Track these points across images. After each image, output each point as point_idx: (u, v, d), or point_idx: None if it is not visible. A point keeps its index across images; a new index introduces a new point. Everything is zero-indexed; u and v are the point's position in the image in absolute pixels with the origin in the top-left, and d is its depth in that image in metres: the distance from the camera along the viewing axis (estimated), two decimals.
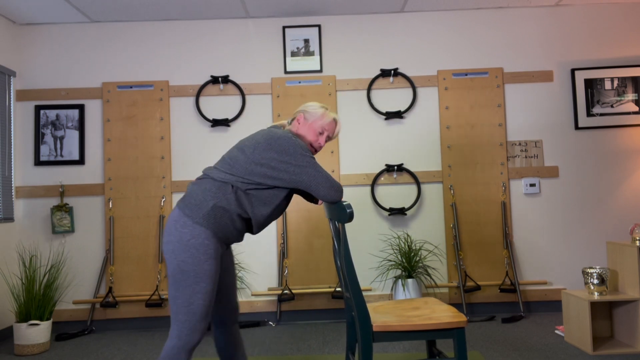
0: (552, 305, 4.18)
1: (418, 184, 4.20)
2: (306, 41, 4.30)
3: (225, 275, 2.16)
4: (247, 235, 4.23)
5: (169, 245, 1.91)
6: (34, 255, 4.13)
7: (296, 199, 4.22)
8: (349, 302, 2.25)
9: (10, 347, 3.72)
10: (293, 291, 4.12)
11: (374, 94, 4.31)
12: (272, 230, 4.23)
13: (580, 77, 4.27)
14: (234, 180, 1.96)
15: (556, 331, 3.59)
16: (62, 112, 4.23)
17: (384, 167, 4.25)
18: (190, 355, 1.92)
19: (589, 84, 4.26)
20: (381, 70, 4.27)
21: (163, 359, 1.89)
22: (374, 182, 4.21)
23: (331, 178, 2.01)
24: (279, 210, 2.06)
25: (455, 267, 4.17)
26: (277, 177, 1.96)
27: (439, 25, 4.34)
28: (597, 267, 3.39)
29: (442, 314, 2.17)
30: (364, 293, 4.20)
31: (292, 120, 2.25)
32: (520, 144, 4.26)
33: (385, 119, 4.26)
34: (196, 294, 1.88)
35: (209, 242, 1.90)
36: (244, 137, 4.23)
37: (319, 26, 4.31)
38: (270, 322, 4.09)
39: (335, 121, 2.20)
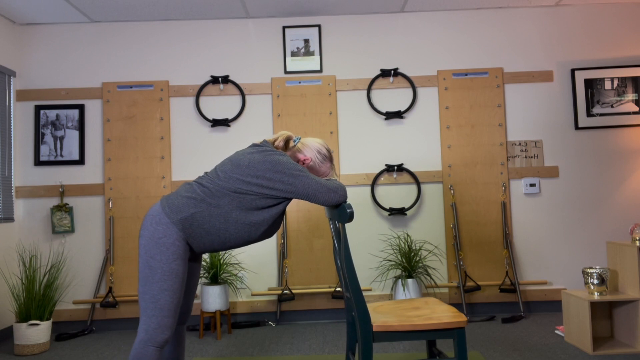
0: (552, 305, 4.18)
1: (418, 184, 4.20)
2: (306, 41, 4.30)
3: (188, 280, 2.18)
4: None
5: (141, 239, 1.96)
6: (34, 255, 4.13)
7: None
8: (349, 302, 2.25)
9: (10, 347, 3.72)
10: (293, 291, 4.12)
11: (374, 94, 4.31)
12: None
13: (580, 77, 4.27)
14: (225, 194, 1.97)
15: (556, 331, 3.59)
16: (62, 112, 4.23)
17: (384, 167, 4.25)
18: (160, 352, 1.94)
19: (589, 84, 4.26)
20: (381, 70, 4.27)
21: (132, 354, 1.91)
22: (374, 182, 4.21)
23: (327, 183, 2.02)
24: (261, 233, 2.06)
25: (455, 267, 4.17)
26: (272, 188, 1.98)
27: (439, 25, 4.34)
28: (597, 267, 3.39)
29: (442, 314, 2.17)
30: (364, 293, 4.20)
31: (289, 143, 2.25)
32: (520, 144, 4.26)
33: (385, 119, 4.26)
34: (163, 291, 1.92)
35: (179, 244, 1.95)
36: (244, 136, 4.26)
37: (319, 26, 4.31)
38: (270, 322, 4.09)
39: (333, 171, 2.32)
